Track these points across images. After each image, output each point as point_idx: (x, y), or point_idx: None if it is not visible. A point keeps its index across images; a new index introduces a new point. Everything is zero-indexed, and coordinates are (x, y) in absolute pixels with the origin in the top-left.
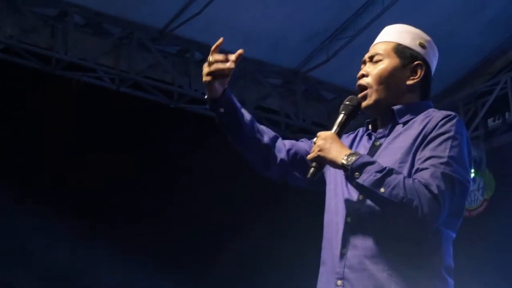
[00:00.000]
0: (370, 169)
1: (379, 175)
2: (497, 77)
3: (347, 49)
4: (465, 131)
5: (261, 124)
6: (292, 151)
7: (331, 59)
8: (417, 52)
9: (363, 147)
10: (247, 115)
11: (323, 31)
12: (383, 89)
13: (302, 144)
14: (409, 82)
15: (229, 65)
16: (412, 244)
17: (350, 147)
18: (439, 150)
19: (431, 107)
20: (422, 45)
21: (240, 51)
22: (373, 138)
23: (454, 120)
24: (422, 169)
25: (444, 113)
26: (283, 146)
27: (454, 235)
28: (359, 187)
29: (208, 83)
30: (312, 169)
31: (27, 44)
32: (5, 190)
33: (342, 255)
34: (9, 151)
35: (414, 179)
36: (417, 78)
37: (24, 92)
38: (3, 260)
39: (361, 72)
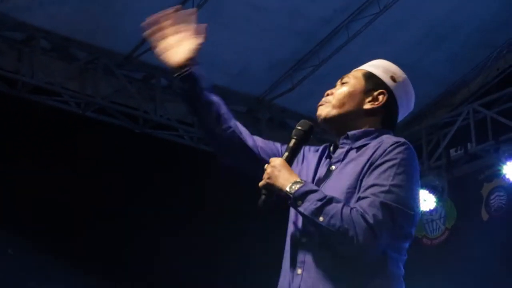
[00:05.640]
0: (311, 197)
1: (319, 203)
2: (459, 109)
3: (311, 78)
4: (414, 158)
5: None
6: (256, 142)
7: (295, 87)
8: (384, 83)
9: (320, 170)
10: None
11: (287, 60)
12: (339, 107)
13: (272, 146)
14: (366, 107)
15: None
16: (357, 268)
17: (318, 164)
18: (382, 178)
19: (384, 134)
20: (393, 78)
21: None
22: (328, 161)
23: (402, 147)
24: (363, 198)
25: (394, 139)
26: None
27: (403, 257)
28: (301, 215)
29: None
30: (262, 197)
31: None
32: None
33: (298, 275)
34: None
35: (353, 208)
36: (376, 104)
37: None
38: None
39: (327, 92)
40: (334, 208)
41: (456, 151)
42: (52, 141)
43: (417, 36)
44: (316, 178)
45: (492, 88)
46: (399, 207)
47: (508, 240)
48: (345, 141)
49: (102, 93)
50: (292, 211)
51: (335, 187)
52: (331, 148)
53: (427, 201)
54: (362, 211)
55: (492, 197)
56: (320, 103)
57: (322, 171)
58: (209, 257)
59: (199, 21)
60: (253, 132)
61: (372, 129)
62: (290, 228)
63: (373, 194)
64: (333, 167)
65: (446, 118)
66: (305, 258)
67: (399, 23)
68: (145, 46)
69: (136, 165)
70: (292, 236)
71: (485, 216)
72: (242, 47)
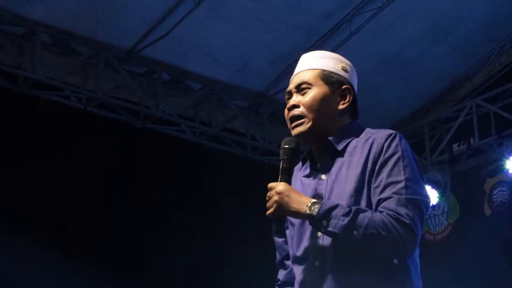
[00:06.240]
0: (335, 214)
1: (347, 218)
2: (462, 103)
3: None
4: (408, 145)
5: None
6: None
7: None
8: (343, 77)
9: (306, 183)
10: None
11: (289, 54)
12: (317, 117)
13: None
14: (340, 107)
15: None
16: (384, 276)
17: (304, 179)
18: (394, 174)
19: (361, 127)
20: (344, 69)
21: None
22: (313, 172)
23: (397, 139)
24: (386, 199)
25: (384, 133)
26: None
27: (418, 251)
28: (329, 234)
29: None
30: (274, 226)
31: None
32: None
33: None
34: None
35: (382, 212)
36: (347, 103)
37: None
38: None
39: (290, 104)
40: (364, 218)
41: (459, 146)
42: (53, 136)
43: (420, 30)
44: (312, 192)
45: (495, 83)
46: (420, 197)
47: (511, 235)
48: (326, 147)
49: (104, 88)
50: (295, 238)
51: (338, 194)
52: (308, 160)
53: (429, 196)
54: (395, 214)
55: (495, 192)
56: (294, 123)
57: (313, 184)
58: (208, 252)
59: (200, 16)
60: (255, 126)
61: (347, 125)
62: (295, 255)
63: (395, 193)
64: (324, 176)
65: (449, 112)
66: (320, 281)
67: (401, 18)
68: (147, 41)
69: (137, 160)
70: (302, 260)
71: (488, 211)
72: (243, 42)
